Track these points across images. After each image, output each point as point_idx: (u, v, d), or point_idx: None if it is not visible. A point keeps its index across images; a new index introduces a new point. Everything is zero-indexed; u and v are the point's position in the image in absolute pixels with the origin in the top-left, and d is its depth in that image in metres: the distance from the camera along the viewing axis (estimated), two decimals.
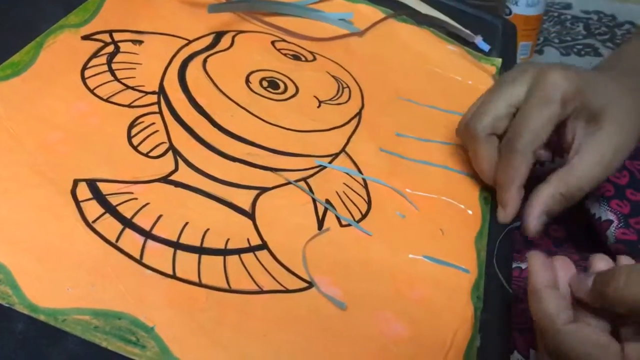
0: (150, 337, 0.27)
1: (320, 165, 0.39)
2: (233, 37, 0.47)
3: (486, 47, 0.55)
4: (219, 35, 0.46)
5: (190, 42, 0.45)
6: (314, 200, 0.37)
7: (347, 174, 0.40)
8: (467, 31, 0.56)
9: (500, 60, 0.54)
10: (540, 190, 0.38)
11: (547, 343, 0.31)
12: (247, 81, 0.43)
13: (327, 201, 0.37)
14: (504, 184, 0.39)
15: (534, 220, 0.38)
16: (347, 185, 0.39)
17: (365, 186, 0.39)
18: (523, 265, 0.43)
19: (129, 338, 0.27)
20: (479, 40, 0.56)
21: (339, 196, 0.38)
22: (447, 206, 0.40)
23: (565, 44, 0.91)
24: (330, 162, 0.40)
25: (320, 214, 0.36)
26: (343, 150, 0.41)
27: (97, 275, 0.29)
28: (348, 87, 0.47)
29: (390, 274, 0.35)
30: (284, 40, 0.49)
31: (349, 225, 0.36)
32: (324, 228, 0.36)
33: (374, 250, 0.36)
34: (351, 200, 0.38)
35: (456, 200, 0.40)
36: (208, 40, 0.46)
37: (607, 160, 0.37)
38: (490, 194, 0.42)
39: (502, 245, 0.39)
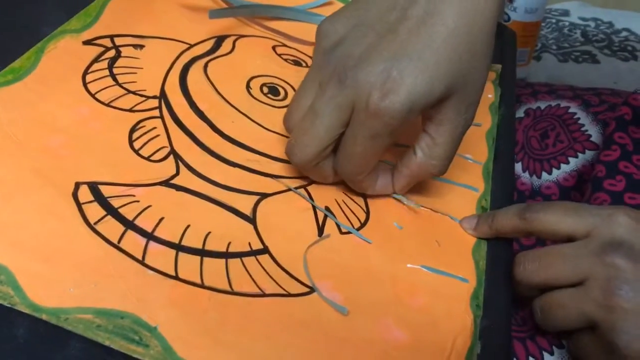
0: (154, 337, 0.28)
1: None
2: (234, 42, 0.47)
3: None
4: (220, 40, 0.47)
5: (191, 46, 0.45)
6: (314, 208, 0.37)
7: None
8: None
9: (499, 66, 0.54)
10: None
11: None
12: (248, 86, 0.43)
13: (327, 208, 0.37)
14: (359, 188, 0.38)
15: None
16: (347, 194, 0.39)
17: (364, 196, 0.39)
18: None
19: (132, 337, 0.27)
20: None
21: (339, 204, 0.38)
22: (443, 217, 0.39)
23: (563, 50, 0.91)
24: None
25: (320, 221, 0.36)
26: None
27: (99, 275, 0.29)
28: None
29: (390, 282, 0.35)
30: (284, 45, 0.49)
31: (348, 233, 0.36)
32: (324, 234, 0.36)
33: (373, 258, 0.36)
34: (350, 209, 0.38)
35: (453, 212, 0.40)
36: (209, 44, 0.46)
37: (462, 126, 0.34)
38: (488, 205, 0.41)
39: (502, 254, 0.38)
